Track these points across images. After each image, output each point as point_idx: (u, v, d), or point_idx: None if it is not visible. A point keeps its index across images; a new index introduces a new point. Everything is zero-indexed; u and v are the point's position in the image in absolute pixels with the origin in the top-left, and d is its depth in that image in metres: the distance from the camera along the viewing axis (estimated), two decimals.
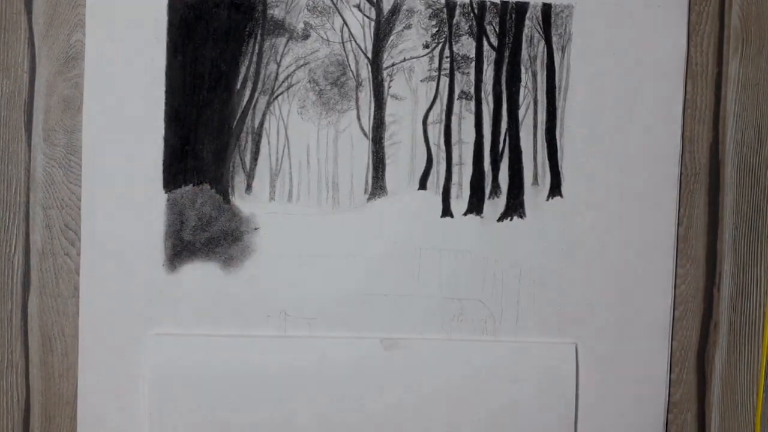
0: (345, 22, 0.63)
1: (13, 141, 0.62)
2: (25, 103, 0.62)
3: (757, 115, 0.66)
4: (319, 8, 0.63)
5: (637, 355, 0.65)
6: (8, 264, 0.62)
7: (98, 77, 0.61)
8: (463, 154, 0.64)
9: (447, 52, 0.64)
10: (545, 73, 0.64)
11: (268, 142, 0.63)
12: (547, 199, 0.65)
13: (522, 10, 0.64)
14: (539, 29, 0.64)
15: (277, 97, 0.63)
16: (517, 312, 0.65)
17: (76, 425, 0.62)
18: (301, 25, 0.63)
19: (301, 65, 0.63)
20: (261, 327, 0.63)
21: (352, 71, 0.63)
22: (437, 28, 0.64)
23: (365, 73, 0.64)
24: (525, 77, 0.64)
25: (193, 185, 0.62)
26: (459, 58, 0.64)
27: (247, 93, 0.63)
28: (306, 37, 0.63)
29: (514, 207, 0.65)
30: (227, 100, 0.63)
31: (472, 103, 0.64)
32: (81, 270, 0.62)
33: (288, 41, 0.63)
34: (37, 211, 0.62)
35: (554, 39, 0.64)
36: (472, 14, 0.64)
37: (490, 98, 0.64)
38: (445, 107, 0.64)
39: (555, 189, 0.65)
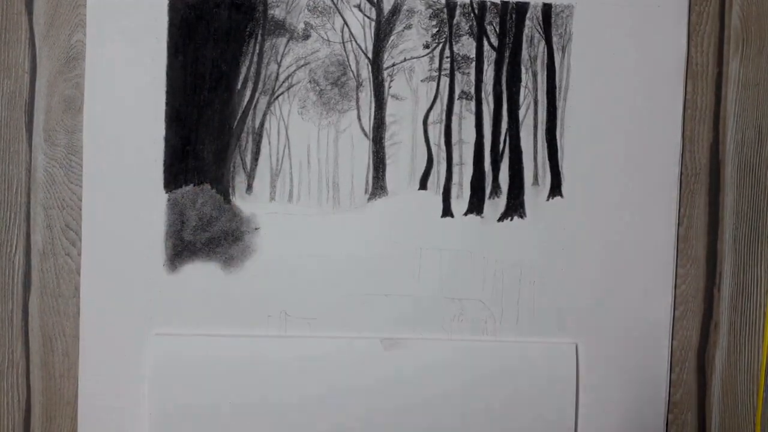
0: (345, 22, 0.63)
1: (14, 141, 0.62)
2: (26, 103, 0.62)
3: (757, 115, 0.66)
4: (319, 8, 0.63)
5: (637, 355, 0.65)
6: (9, 264, 0.62)
7: (99, 77, 0.61)
8: (464, 154, 0.64)
9: (447, 52, 0.64)
10: (545, 73, 0.64)
11: (269, 142, 0.63)
12: (548, 199, 0.65)
13: (522, 10, 0.64)
14: (539, 29, 0.64)
15: (277, 97, 0.63)
16: (517, 312, 0.65)
17: (76, 425, 0.62)
18: (301, 26, 0.63)
19: (302, 65, 0.63)
20: (261, 327, 0.63)
21: (352, 71, 0.64)
22: (438, 29, 0.64)
23: (366, 73, 0.64)
24: (525, 77, 0.64)
25: (194, 185, 0.63)
26: (459, 58, 0.64)
27: (248, 93, 0.63)
28: (306, 37, 0.63)
29: (515, 207, 0.65)
30: (228, 100, 0.63)
31: (473, 103, 0.64)
32: (82, 270, 0.62)
33: (288, 41, 0.63)
34: (38, 212, 0.62)
35: (554, 39, 0.64)
36: (472, 14, 0.64)
37: (491, 98, 0.64)
38: (445, 107, 0.64)
39: (555, 189, 0.65)
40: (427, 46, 0.64)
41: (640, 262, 0.65)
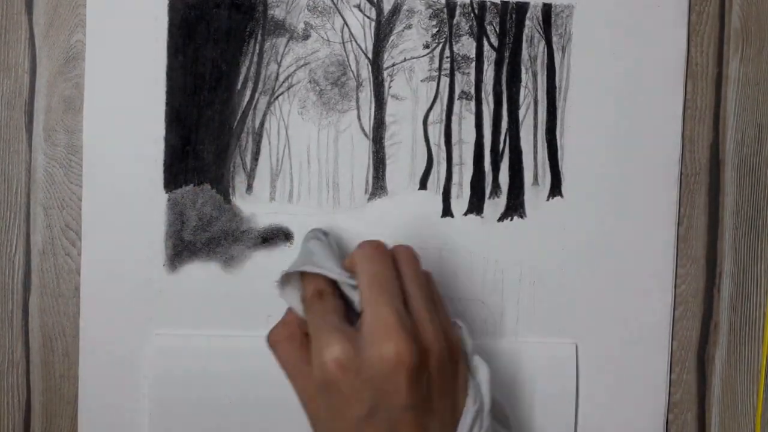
0: (345, 23, 0.63)
1: (13, 141, 0.62)
2: (26, 103, 0.62)
3: (757, 115, 0.66)
4: (319, 8, 0.63)
5: (637, 355, 0.65)
6: (9, 264, 0.62)
7: (99, 77, 0.61)
8: (464, 154, 0.64)
9: (447, 52, 0.64)
10: (545, 73, 0.64)
11: (269, 143, 0.63)
12: (548, 199, 0.65)
13: (522, 10, 0.64)
14: (539, 29, 0.64)
15: (277, 97, 0.63)
16: (517, 312, 0.65)
17: (77, 425, 0.62)
18: (301, 26, 0.63)
19: (302, 65, 0.63)
20: (262, 327, 0.63)
21: (352, 71, 0.64)
22: (437, 29, 0.64)
23: (366, 73, 0.64)
24: (525, 77, 0.64)
25: (194, 185, 0.63)
26: (459, 58, 0.64)
27: (248, 93, 0.63)
28: (306, 37, 0.63)
29: (515, 207, 0.65)
30: (228, 100, 0.63)
31: (473, 103, 0.64)
32: (82, 270, 0.62)
33: (288, 41, 0.63)
34: (37, 211, 0.62)
35: (554, 39, 0.64)
36: (472, 14, 0.64)
37: (491, 98, 0.64)
38: (445, 107, 0.64)
39: (555, 189, 0.65)
40: (427, 46, 0.64)
41: (640, 261, 0.65)
